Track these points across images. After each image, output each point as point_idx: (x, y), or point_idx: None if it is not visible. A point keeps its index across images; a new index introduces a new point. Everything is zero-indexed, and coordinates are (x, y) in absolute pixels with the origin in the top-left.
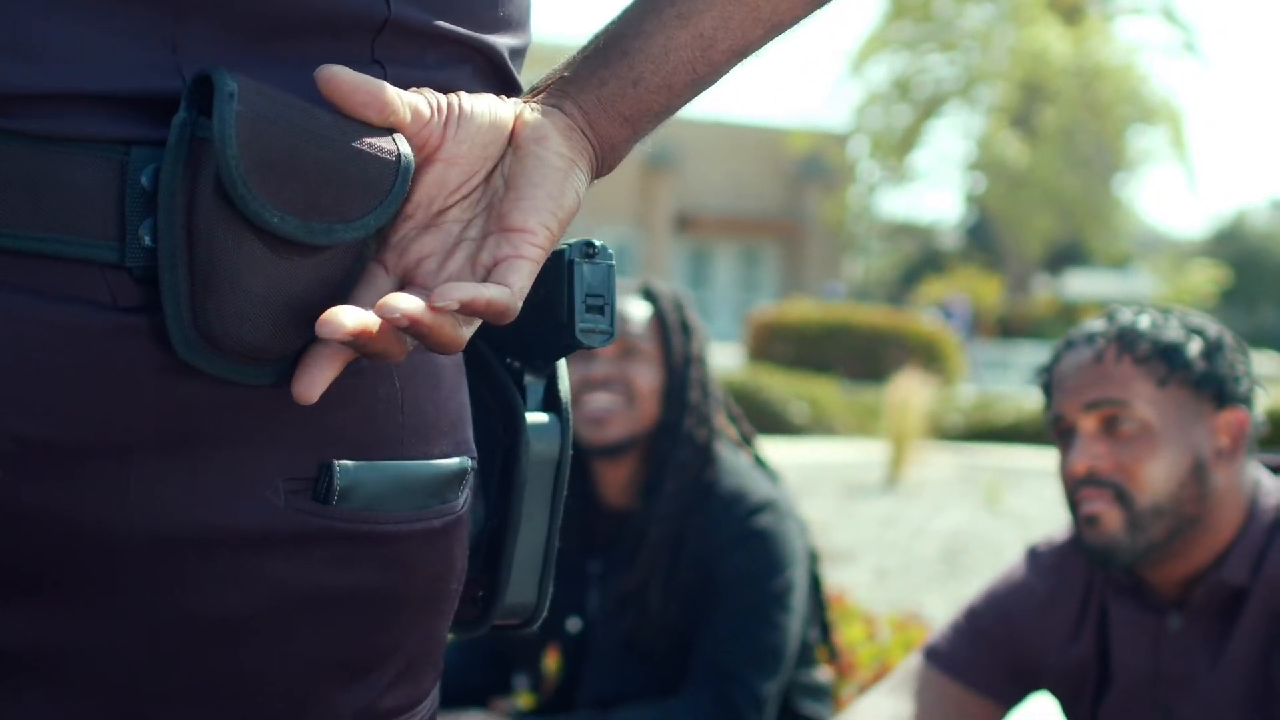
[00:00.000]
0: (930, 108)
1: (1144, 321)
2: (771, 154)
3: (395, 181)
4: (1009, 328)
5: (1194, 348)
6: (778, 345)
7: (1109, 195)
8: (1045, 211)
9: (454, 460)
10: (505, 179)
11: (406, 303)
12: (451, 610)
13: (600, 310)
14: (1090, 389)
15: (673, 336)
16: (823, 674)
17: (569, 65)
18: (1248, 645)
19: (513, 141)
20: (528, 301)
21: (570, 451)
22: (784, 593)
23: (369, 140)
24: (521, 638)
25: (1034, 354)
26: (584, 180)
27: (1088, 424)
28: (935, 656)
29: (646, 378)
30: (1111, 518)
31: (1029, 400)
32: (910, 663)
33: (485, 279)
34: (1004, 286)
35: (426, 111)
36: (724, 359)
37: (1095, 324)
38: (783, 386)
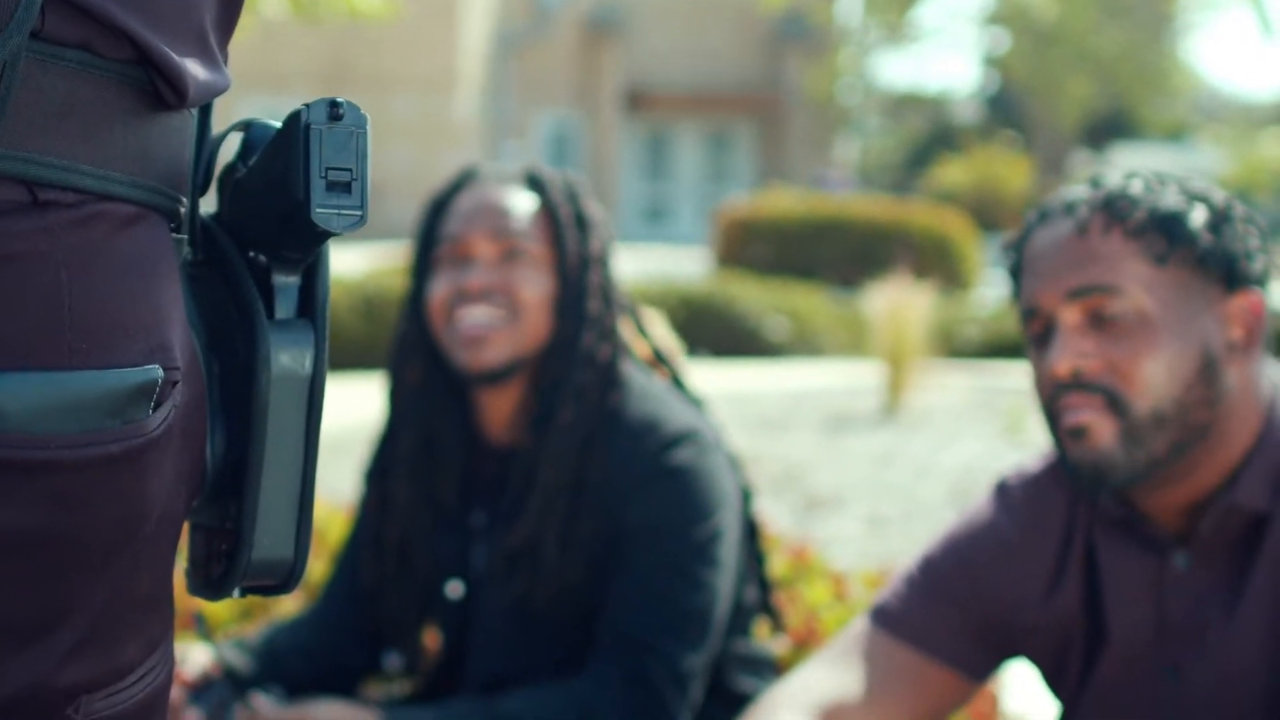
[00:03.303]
0: None
1: (1136, 186)
2: (741, 12)
3: (18, 7)
4: None
5: (1198, 217)
6: (753, 247)
7: (1159, 51)
8: (1081, 74)
9: (140, 370)
10: None
11: None
12: (158, 559)
13: (345, 187)
14: (1072, 272)
15: (565, 233)
16: (769, 643)
17: None
18: (1271, 583)
19: None
20: (263, 178)
21: (326, 368)
22: (708, 543)
23: None
24: (394, 607)
25: None
26: None
27: (1070, 316)
28: (885, 618)
29: (534, 286)
30: (1103, 429)
31: None
32: (856, 626)
33: None
34: (1034, 167)
35: None
36: (687, 264)
37: (1077, 190)
38: (758, 297)
